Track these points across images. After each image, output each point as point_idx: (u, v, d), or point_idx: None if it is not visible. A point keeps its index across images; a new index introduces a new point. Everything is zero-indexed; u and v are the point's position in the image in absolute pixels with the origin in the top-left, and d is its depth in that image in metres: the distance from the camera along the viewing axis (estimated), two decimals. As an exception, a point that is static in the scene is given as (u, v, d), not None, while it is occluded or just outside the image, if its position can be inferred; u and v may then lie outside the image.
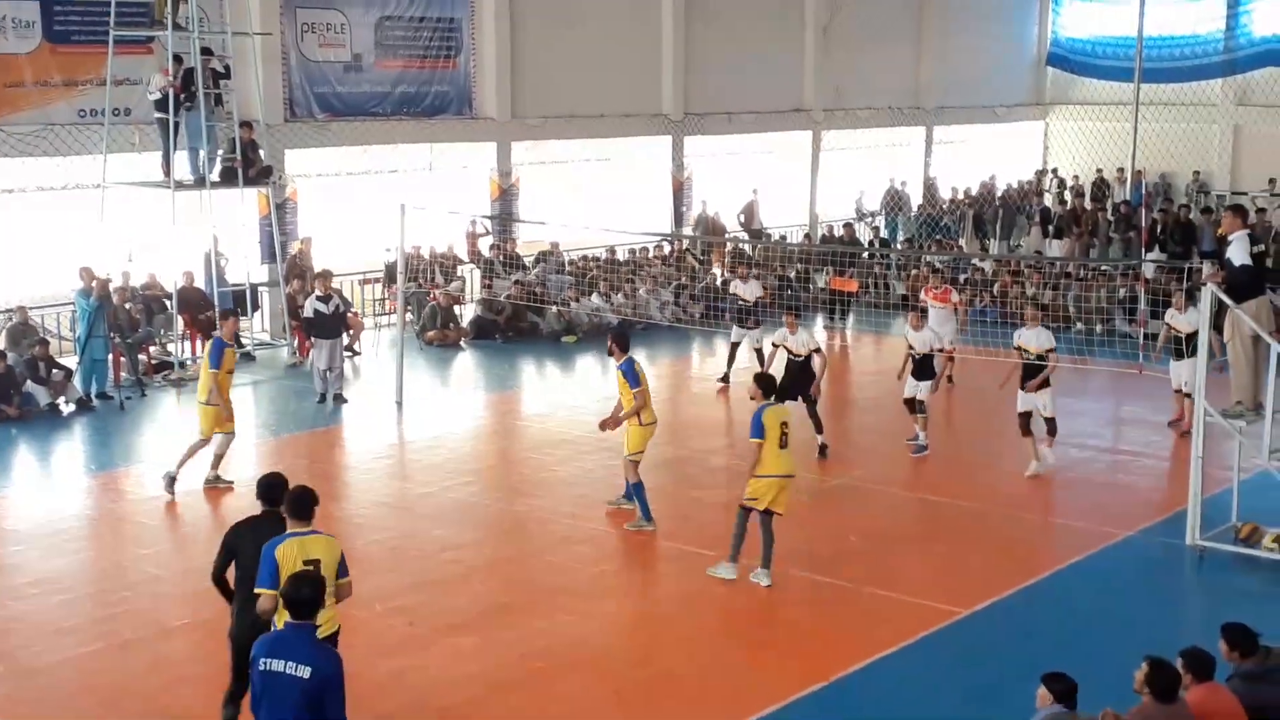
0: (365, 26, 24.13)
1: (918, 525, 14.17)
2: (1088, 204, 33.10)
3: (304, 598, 7.17)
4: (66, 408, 18.35)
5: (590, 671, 10.45)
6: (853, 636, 11.09)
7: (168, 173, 20.20)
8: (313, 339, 19.11)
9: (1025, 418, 15.46)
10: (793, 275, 26.48)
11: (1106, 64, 36.13)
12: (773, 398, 12.17)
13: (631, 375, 13.33)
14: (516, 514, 14.32)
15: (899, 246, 30.80)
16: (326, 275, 19.79)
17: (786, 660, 10.70)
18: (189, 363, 20.66)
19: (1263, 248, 13.65)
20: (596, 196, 28.04)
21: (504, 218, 25.82)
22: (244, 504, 14.07)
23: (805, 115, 32.24)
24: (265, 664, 7.07)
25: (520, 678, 10.29)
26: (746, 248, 27.86)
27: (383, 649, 10.63)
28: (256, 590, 8.20)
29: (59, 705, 9.93)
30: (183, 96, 19.93)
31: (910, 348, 16.53)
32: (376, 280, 24.24)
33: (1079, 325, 23.51)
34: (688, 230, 29.23)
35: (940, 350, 17.35)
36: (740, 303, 20.56)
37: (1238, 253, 12.86)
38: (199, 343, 21.24)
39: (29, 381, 18.19)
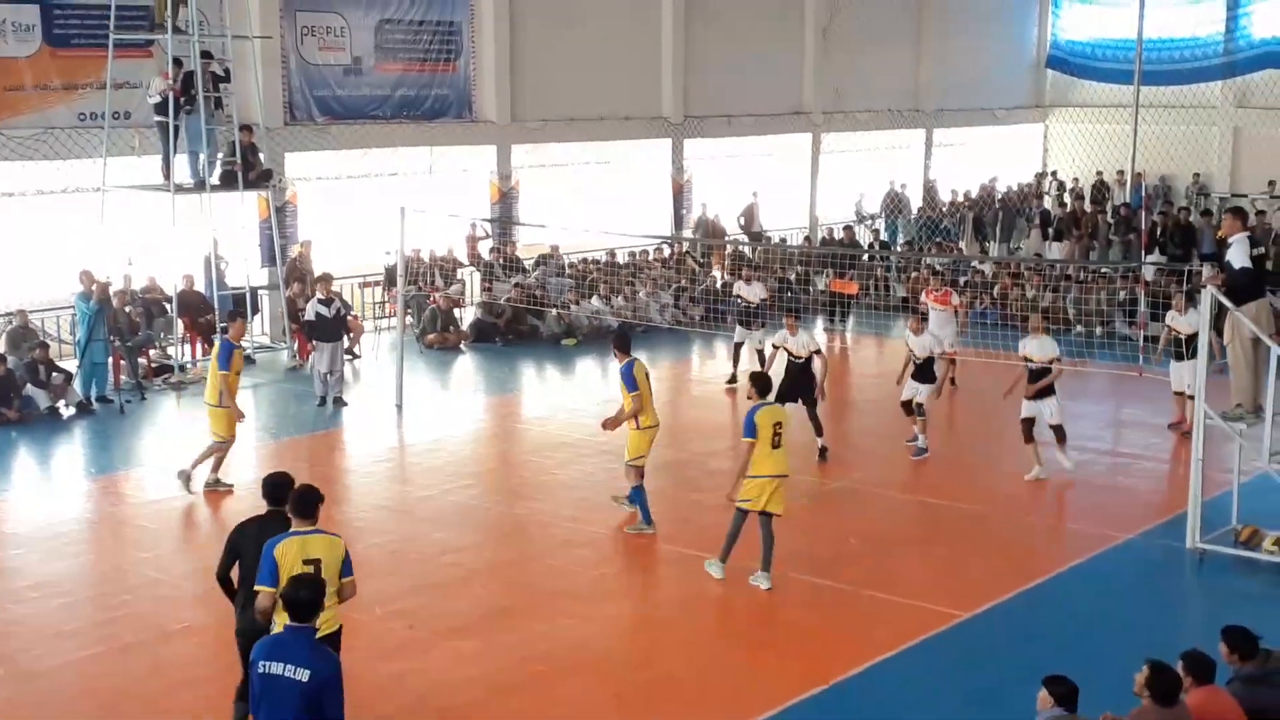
0: (365, 30, 24.15)
1: (918, 528, 14.16)
2: (1087, 206, 33.12)
3: (303, 600, 7.18)
4: (66, 411, 18.35)
5: (591, 675, 10.44)
6: (853, 639, 11.09)
7: (167, 176, 20.21)
8: (314, 342, 19.11)
9: (1028, 424, 15.43)
10: (793, 278, 26.49)
11: (1106, 66, 36.14)
12: (768, 397, 12.17)
13: (629, 379, 13.29)
14: (517, 517, 14.33)
15: (899, 249, 30.81)
16: (327, 278, 19.80)
17: (786, 663, 10.70)
18: (189, 366, 20.68)
19: (1262, 250, 13.63)
20: (596, 199, 28.07)
21: (504, 221, 25.83)
22: (244, 507, 14.09)
23: (805, 118, 32.26)
24: (264, 666, 7.10)
25: (521, 681, 10.29)
26: (746, 250, 27.86)
27: (383, 652, 10.63)
28: (255, 588, 8.23)
29: (59, 709, 9.92)
30: (182, 100, 19.94)
31: (911, 353, 16.50)
32: (376, 283, 24.24)
33: (1079, 328, 23.51)
34: (688, 233, 29.24)
35: (941, 354, 17.36)
36: (744, 304, 20.55)
37: (1237, 255, 12.86)
38: (199, 346, 21.28)
39: (29, 385, 18.19)
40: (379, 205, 22.75)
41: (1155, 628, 11.23)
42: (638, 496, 13.44)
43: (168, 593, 12.01)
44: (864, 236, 31.57)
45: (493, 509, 14.63)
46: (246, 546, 8.70)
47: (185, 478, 14.71)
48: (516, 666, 10.51)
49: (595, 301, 24.32)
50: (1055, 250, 31.04)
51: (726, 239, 29.05)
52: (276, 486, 8.85)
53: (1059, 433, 15.45)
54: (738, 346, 20.39)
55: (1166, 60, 34.04)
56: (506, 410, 19.66)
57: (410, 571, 12.56)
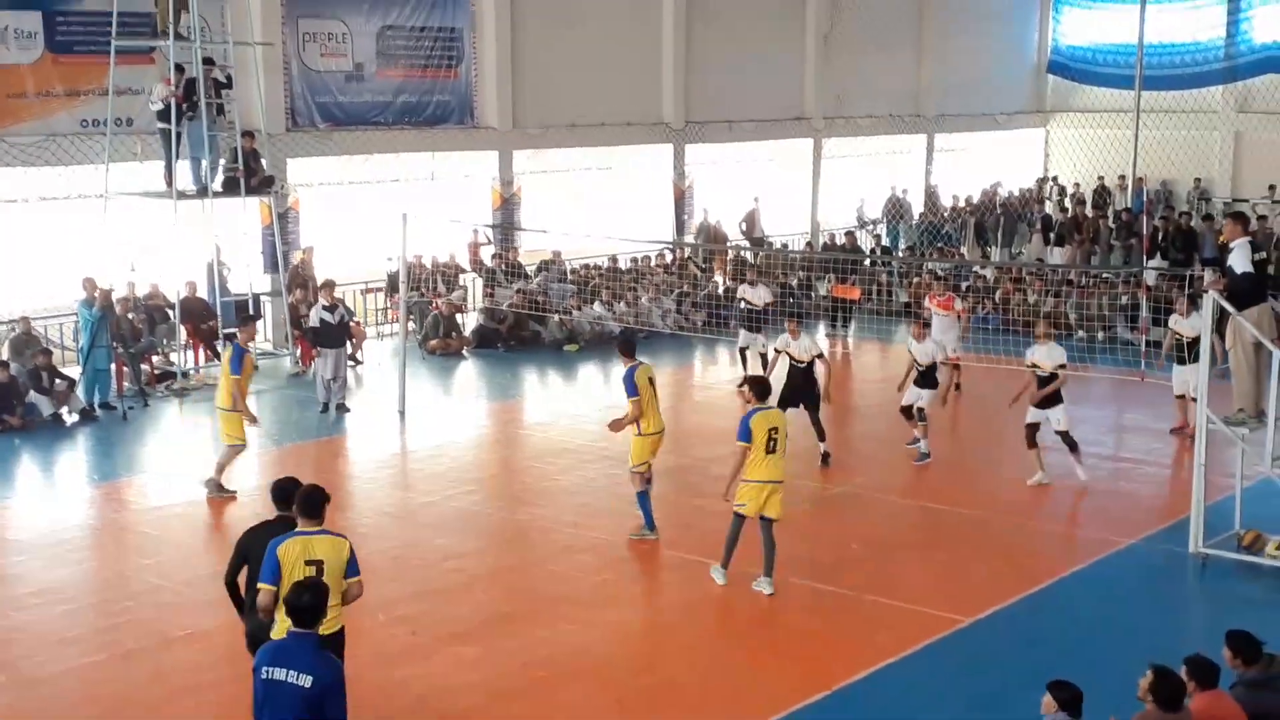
0: (367, 36, 24.19)
1: (920, 533, 14.15)
2: (1089, 211, 33.13)
3: (305, 605, 7.20)
4: (69, 418, 18.37)
5: (592, 680, 10.44)
6: (855, 644, 11.08)
7: (170, 182, 20.23)
8: (318, 348, 19.11)
9: (1033, 429, 15.39)
10: (794, 283, 26.49)
11: (1107, 71, 36.15)
12: (766, 402, 12.14)
13: (630, 384, 13.27)
14: (519, 523, 14.33)
15: (900, 254, 30.81)
16: (331, 284, 19.82)
17: (789, 668, 10.69)
18: (191, 372, 20.70)
19: (1264, 255, 13.61)
20: (598, 205, 28.09)
21: (506, 226, 25.85)
22: (246, 513, 14.11)
23: (806, 123, 32.29)
24: (267, 672, 7.12)
25: (522, 686, 10.29)
26: (748, 256, 27.87)
27: (385, 658, 10.63)
28: (257, 585, 8.29)
29: (61, 715, 9.92)
30: (185, 106, 19.96)
31: (914, 359, 16.48)
32: (379, 289, 24.26)
33: (1080, 333, 23.50)
34: (689, 238, 29.25)
35: (944, 361, 17.34)
36: (749, 307, 20.52)
37: (1239, 260, 12.85)
38: (201, 352, 21.30)
39: (32, 391, 18.21)
40: (381, 211, 22.78)
41: (1158, 633, 11.22)
42: (641, 502, 13.42)
43: (170, 599, 12.01)
44: (866, 242, 31.58)
45: (495, 515, 14.63)
46: (255, 551, 8.70)
47: (214, 485, 14.70)
48: (518, 672, 10.51)
49: (597, 307, 24.33)
50: (1057, 255, 31.04)
51: (728, 244, 29.06)
52: (285, 491, 8.86)
53: (1070, 442, 15.35)
54: (743, 351, 20.38)
55: (1167, 65, 34.04)
56: (508, 416, 19.67)
57: (412, 577, 12.57)
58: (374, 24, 24.25)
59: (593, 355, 23.02)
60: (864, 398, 20.30)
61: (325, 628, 7.81)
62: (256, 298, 21.83)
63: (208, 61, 20.41)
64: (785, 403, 15.83)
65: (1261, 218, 29.65)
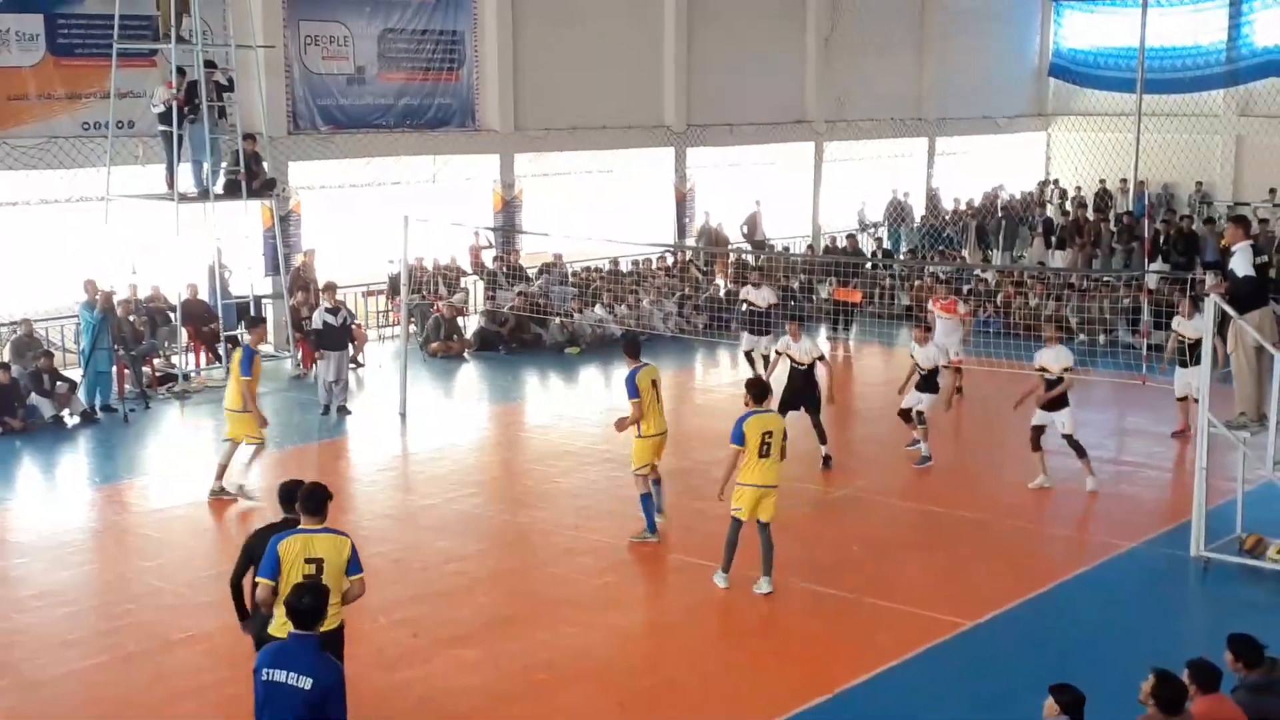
0: (368, 39, 24.20)
1: (921, 536, 14.15)
2: (1090, 215, 33.13)
3: (305, 607, 7.23)
4: (71, 420, 18.38)
5: (593, 683, 10.44)
6: (856, 647, 11.08)
7: (171, 185, 20.24)
8: (320, 351, 19.10)
9: (1038, 432, 15.35)
10: (796, 286, 26.49)
11: (1108, 75, 36.16)
12: (763, 405, 12.12)
13: (631, 385, 13.28)
14: (520, 526, 14.33)
15: (902, 257, 30.82)
16: (333, 287, 19.83)
17: (790, 671, 10.68)
18: (193, 375, 20.71)
19: (1266, 258, 13.62)
20: (599, 208, 28.10)
21: (507, 229, 25.86)
22: (247, 515, 14.13)
23: (807, 126, 32.29)
24: (267, 674, 7.14)
25: (523, 689, 10.29)
26: (750, 259, 27.86)
27: (386, 661, 10.63)
28: (256, 580, 8.34)
29: (63, 718, 9.93)
30: (186, 109, 19.98)
31: (916, 364, 16.47)
32: (380, 292, 24.27)
33: (1082, 336, 23.50)
34: (691, 241, 29.26)
35: (946, 365, 17.33)
36: (753, 309, 20.51)
37: (1241, 264, 12.86)
38: (203, 355, 21.31)
39: (33, 394, 18.22)
40: (382, 214, 22.78)
41: (1159, 636, 11.22)
42: (644, 504, 13.43)
43: (171, 601, 12.01)
44: (867, 245, 31.59)
45: (496, 517, 14.63)
46: (260, 553, 8.72)
47: (239, 489, 14.68)
48: (519, 675, 10.51)
49: (599, 310, 24.34)
50: (1058, 259, 31.03)
51: (730, 247, 29.07)
52: (292, 494, 8.88)
53: (1078, 448, 15.28)
54: (748, 354, 20.37)
55: (1169, 69, 34.06)
56: (510, 418, 19.67)
57: (413, 580, 12.57)
58: (375, 27, 24.26)
59: (594, 358, 23.03)
60: (865, 401, 20.29)
61: (324, 625, 7.83)
62: (258, 300, 21.84)
63: (209, 64, 20.43)
64: (786, 405, 15.83)
65: (1263, 221, 29.66)
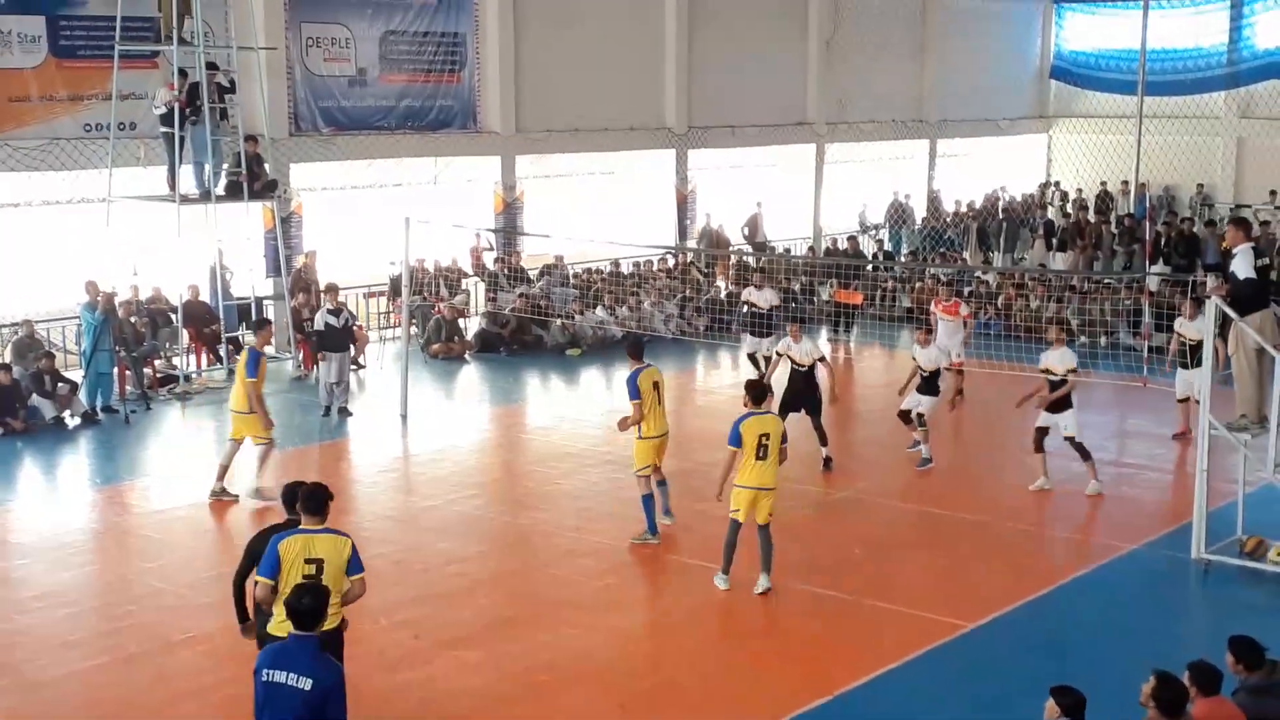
0: (370, 41, 24.21)
1: (921, 538, 14.15)
2: (1091, 217, 33.13)
3: (305, 608, 7.25)
4: (72, 421, 18.38)
5: (594, 684, 10.44)
6: (857, 649, 11.09)
7: (173, 186, 20.25)
8: (322, 352, 19.08)
9: (1042, 433, 15.33)
10: (797, 288, 26.49)
11: (1110, 77, 36.18)
12: (761, 407, 12.14)
13: (632, 386, 13.33)
14: (521, 527, 14.33)
15: (903, 259, 30.83)
16: (335, 288, 19.83)
17: (791, 673, 10.69)
18: (194, 376, 20.72)
19: (1267, 260, 13.63)
20: (600, 210, 28.10)
21: (508, 231, 25.87)
22: (248, 516, 14.15)
23: (809, 128, 32.30)
24: (268, 674, 7.17)
25: (524, 691, 10.29)
26: (750, 260, 27.88)
27: (387, 662, 10.64)
28: (255, 578, 8.38)
29: (64, 719, 9.93)
30: (188, 111, 19.99)
31: (917, 365, 16.48)
32: (381, 293, 24.26)
33: (1083, 338, 23.49)
34: (692, 243, 29.27)
35: (948, 366, 17.33)
36: (755, 310, 20.53)
37: (1242, 266, 12.86)
38: (204, 356, 21.32)
39: (34, 395, 18.23)
40: (384, 216, 22.78)
41: (1160, 638, 11.22)
42: (646, 506, 13.43)
43: (172, 603, 12.02)
44: (868, 247, 31.59)
45: (497, 519, 14.64)
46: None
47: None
48: (520, 676, 10.51)
49: (600, 312, 24.34)
50: (1059, 261, 31.03)
51: (731, 249, 29.08)
52: (295, 495, 8.90)
53: (1082, 451, 15.26)
54: (752, 357, 20.37)
55: (1170, 71, 34.07)
56: (511, 420, 19.68)
57: (414, 581, 12.57)
58: (377, 29, 24.27)
59: (595, 359, 23.03)
60: (866, 403, 20.29)
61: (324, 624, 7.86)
62: (259, 302, 21.85)
63: (211, 66, 20.44)
64: (786, 407, 15.85)
65: (1264, 223, 29.65)
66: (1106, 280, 26.72)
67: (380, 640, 10.98)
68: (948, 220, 33.64)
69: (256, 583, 8.39)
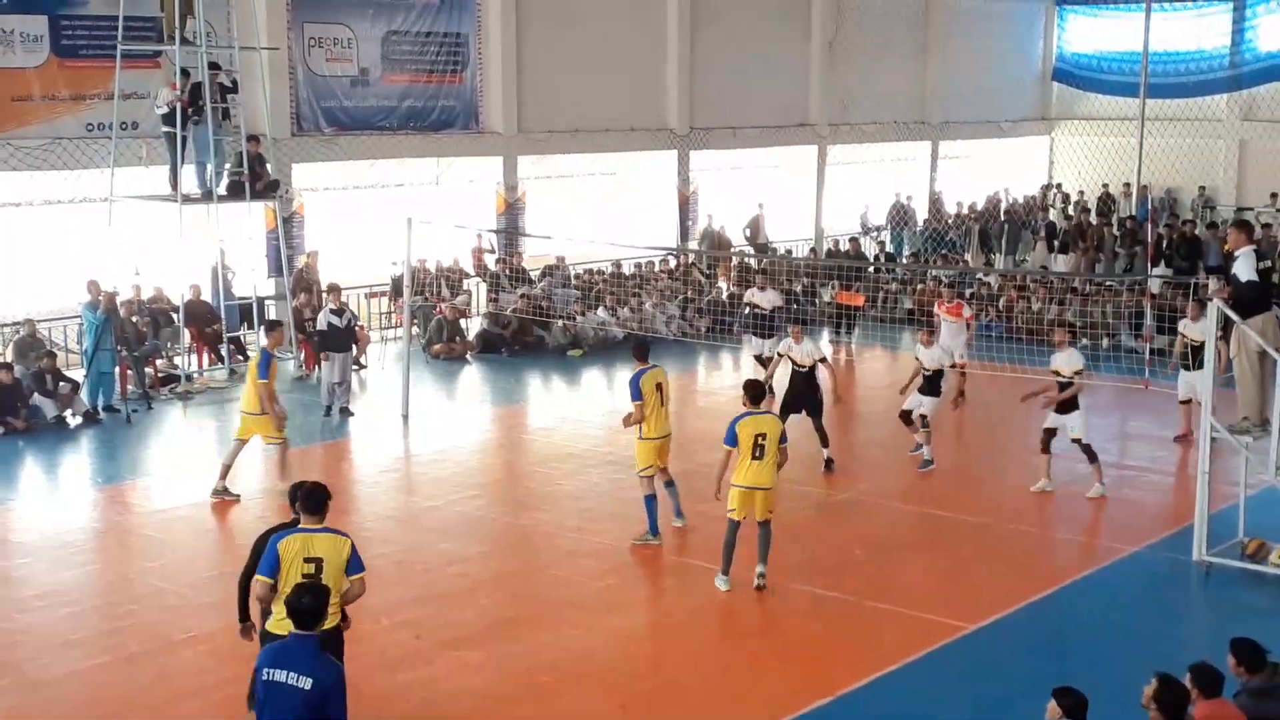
0: (372, 41, 24.22)
1: (923, 539, 14.14)
2: (1093, 219, 33.13)
3: (305, 608, 7.27)
4: (73, 420, 18.39)
5: (596, 685, 10.44)
6: (858, 651, 11.08)
7: (175, 186, 20.25)
8: (325, 352, 19.06)
9: (1049, 434, 15.33)
10: (798, 289, 26.49)
11: (1112, 79, 36.18)
12: (759, 406, 12.17)
13: (634, 387, 13.35)
14: (522, 528, 14.33)
15: (904, 261, 30.83)
16: (338, 288, 19.84)
17: (792, 674, 10.69)
18: (195, 376, 20.72)
19: (1269, 263, 13.61)
20: (602, 210, 28.11)
21: (510, 231, 25.88)
22: (250, 516, 14.16)
23: (810, 130, 32.30)
24: (268, 673, 7.19)
25: (526, 691, 10.29)
26: (752, 262, 27.88)
27: (389, 662, 10.64)
28: (255, 577, 8.42)
29: (65, 718, 9.94)
30: (190, 110, 20.00)
31: (920, 365, 16.48)
32: (383, 294, 24.27)
33: (1084, 340, 23.48)
34: (693, 244, 29.28)
35: (952, 366, 17.33)
36: (758, 311, 20.56)
37: (1244, 268, 12.86)
38: (205, 356, 21.32)
39: (36, 394, 18.23)
40: (385, 216, 22.78)
41: (1161, 640, 11.22)
42: (648, 506, 13.44)
43: (173, 602, 12.02)
44: (870, 249, 31.59)
45: (498, 519, 14.64)
46: None
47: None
48: (522, 677, 10.51)
49: (601, 313, 24.34)
50: (1061, 263, 31.03)
51: (732, 250, 29.08)
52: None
53: (1089, 452, 15.21)
54: (758, 358, 20.39)
55: (1172, 73, 34.08)
56: (512, 421, 19.68)
57: (416, 582, 12.57)
58: (379, 29, 24.28)
59: (596, 360, 23.03)
60: (867, 404, 20.29)
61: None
62: (261, 302, 21.86)
63: (213, 66, 20.44)
64: (787, 408, 15.86)
65: (1266, 226, 29.65)
66: (1108, 282, 26.72)
67: (381, 640, 10.98)
68: (949, 222, 33.65)
69: (256, 581, 8.40)
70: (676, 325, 24.53)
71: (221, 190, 20.68)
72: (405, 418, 18.74)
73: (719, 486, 12.27)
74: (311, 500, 8.45)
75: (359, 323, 21.23)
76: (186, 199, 20.23)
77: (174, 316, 21.05)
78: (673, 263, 27.89)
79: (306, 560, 8.24)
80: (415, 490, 15.93)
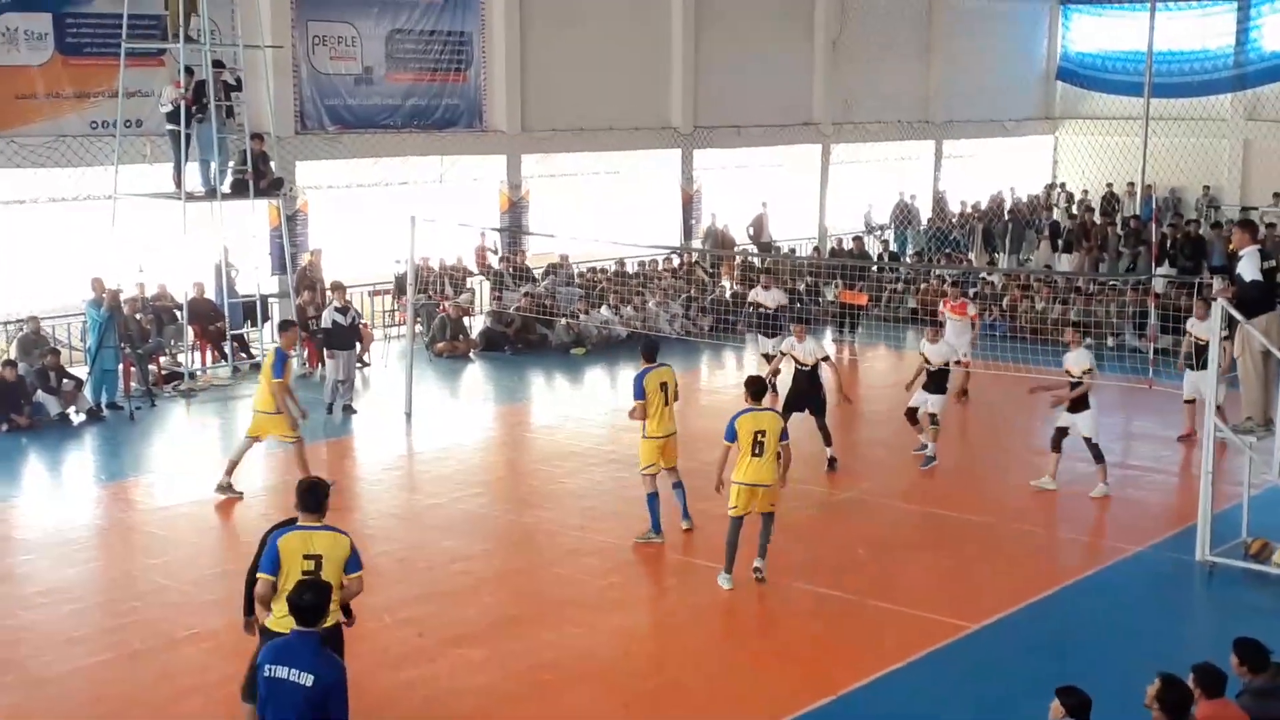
0: (376, 39, 24.23)
1: (925, 538, 14.14)
2: (1097, 218, 33.09)
3: (307, 604, 7.28)
4: (77, 417, 18.40)
5: (598, 683, 10.45)
6: (860, 650, 11.08)
7: (179, 184, 20.26)
8: (330, 350, 19.05)
9: (1061, 433, 15.31)
10: (802, 288, 26.49)
11: (1116, 78, 36.14)
12: (760, 402, 12.19)
13: (637, 385, 13.39)
14: (525, 526, 14.34)
15: (908, 260, 30.81)
16: (342, 287, 19.84)
17: (793, 673, 10.69)
18: (199, 373, 20.74)
19: (1274, 263, 13.60)
20: (606, 209, 28.11)
21: (514, 230, 25.88)
22: (253, 514, 14.18)
23: (814, 128, 32.29)
24: (270, 670, 7.19)
25: (528, 689, 10.30)
26: (756, 261, 27.88)
27: (391, 660, 10.64)
28: (257, 575, 8.43)
29: (68, 715, 9.95)
30: (194, 108, 20.01)
31: (925, 361, 16.48)
32: (386, 292, 24.27)
33: (1088, 340, 23.42)
34: (697, 243, 29.27)
35: (957, 362, 17.32)
36: (762, 310, 20.56)
37: (1248, 268, 12.85)
38: (209, 354, 21.34)
39: (39, 391, 18.24)
40: (389, 214, 22.80)
41: (1164, 640, 11.21)
42: (650, 504, 13.44)
43: (176, 599, 12.03)
44: (873, 247, 31.57)
45: (501, 517, 14.65)
46: None
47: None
48: (524, 675, 10.52)
49: (604, 311, 24.34)
50: (1065, 262, 31.00)
51: (735, 249, 29.08)
52: None
53: (1095, 452, 15.19)
54: (766, 357, 20.42)
55: (1177, 73, 34.03)
56: (515, 419, 19.68)
57: (419, 579, 12.58)
58: (383, 27, 24.29)
59: (599, 359, 23.04)
60: (870, 403, 20.26)
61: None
62: (264, 299, 21.88)
63: (217, 64, 20.46)
64: (790, 407, 15.85)
65: (1270, 225, 29.59)
66: (1112, 282, 26.68)
67: (384, 638, 10.99)
68: (953, 221, 33.62)
69: (258, 579, 8.40)
70: (680, 324, 24.52)
71: (225, 188, 20.70)
72: (408, 415, 18.74)
73: (720, 479, 12.30)
74: (310, 497, 8.46)
75: (363, 321, 21.24)
76: (190, 197, 20.24)
77: (177, 314, 21.06)
78: (676, 261, 27.89)
79: (306, 557, 8.26)
80: (418, 488, 15.94)
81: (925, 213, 34.02)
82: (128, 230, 20.79)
